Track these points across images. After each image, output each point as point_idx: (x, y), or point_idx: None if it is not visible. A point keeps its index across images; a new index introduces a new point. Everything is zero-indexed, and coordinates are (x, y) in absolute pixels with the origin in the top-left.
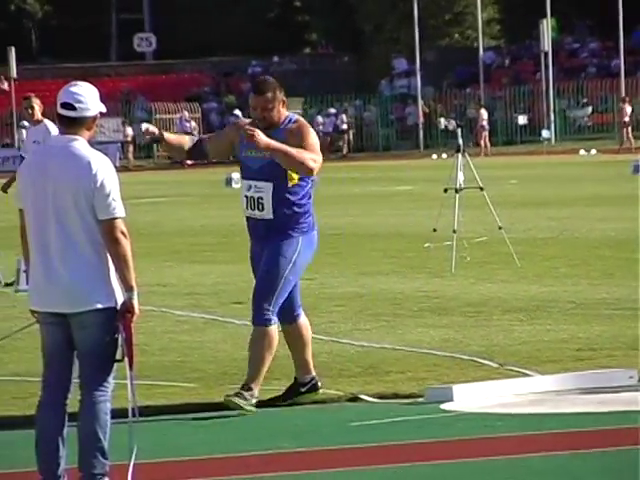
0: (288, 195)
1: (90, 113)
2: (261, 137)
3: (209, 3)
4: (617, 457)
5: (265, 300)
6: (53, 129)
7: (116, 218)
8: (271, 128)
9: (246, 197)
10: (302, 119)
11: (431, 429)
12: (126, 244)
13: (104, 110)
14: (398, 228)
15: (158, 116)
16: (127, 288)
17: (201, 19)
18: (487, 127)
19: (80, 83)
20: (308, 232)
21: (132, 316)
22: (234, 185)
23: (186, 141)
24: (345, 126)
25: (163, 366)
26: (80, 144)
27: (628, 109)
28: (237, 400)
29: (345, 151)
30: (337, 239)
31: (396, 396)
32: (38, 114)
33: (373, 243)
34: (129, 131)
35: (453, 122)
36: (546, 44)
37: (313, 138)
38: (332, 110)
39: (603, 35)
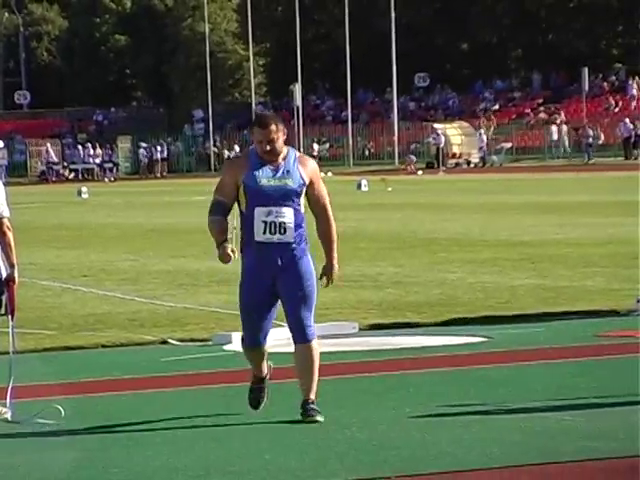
0: (301, 217)
1: None
2: (334, 273)
3: (66, 70)
4: (347, 383)
5: (305, 319)
6: None
7: (3, 217)
8: (277, 158)
9: (265, 222)
10: (299, 152)
11: (216, 363)
12: (10, 235)
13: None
14: (198, 225)
15: (31, 148)
16: (10, 265)
17: (61, 81)
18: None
19: None
20: (307, 251)
21: (14, 284)
22: (83, 196)
23: (225, 225)
24: (160, 155)
25: (33, 319)
26: None
27: (316, 146)
28: (319, 417)
29: (165, 172)
30: (157, 234)
31: (192, 340)
32: None
33: (180, 236)
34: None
35: (234, 152)
36: (298, 101)
37: (318, 173)
38: (144, 144)
39: (336, 94)
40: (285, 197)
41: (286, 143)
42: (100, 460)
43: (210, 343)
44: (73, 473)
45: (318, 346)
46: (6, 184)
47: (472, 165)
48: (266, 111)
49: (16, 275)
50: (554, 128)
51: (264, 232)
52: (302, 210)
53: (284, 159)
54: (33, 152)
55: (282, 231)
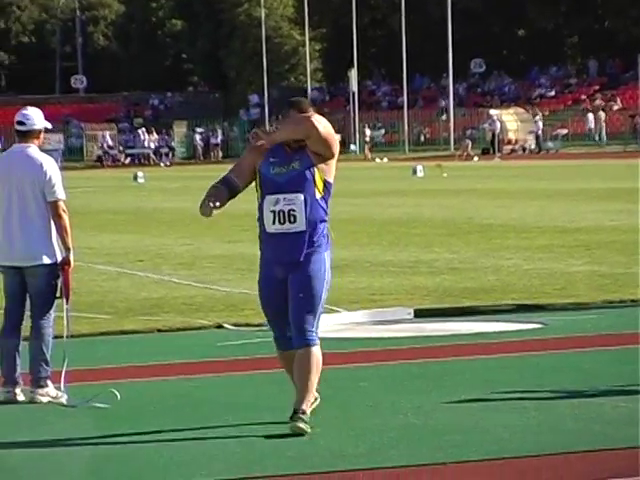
0: (317, 205)
1: (36, 127)
2: (267, 138)
3: (122, 55)
4: (401, 368)
5: (306, 322)
6: None
7: (59, 200)
8: (304, 146)
9: (273, 212)
10: None
11: (271, 347)
12: (66, 218)
13: (49, 126)
14: (248, 211)
15: (87, 132)
16: (66, 248)
17: (117, 66)
18: None
19: (28, 107)
20: (329, 245)
21: (69, 268)
22: (139, 180)
23: (227, 193)
24: (217, 140)
25: (88, 303)
26: (33, 150)
27: (368, 131)
28: (303, 426)
29: (220, 157)
30: (212, 219)
31: (248, 325)
32: None
33: (236, 220)
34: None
35: None
36: (353, 86)
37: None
38: (200, 129)
39: (392, 80)
40: (293, 182)
41: (338, 131)
42: (153, 443)
43: (265, 328)
44: (130, 456)
45: (318, 354)
46: (62, 168)
47: (527, 151)
48: (299, 97)
49: (71, 258)
50: (590, 116)
51: (273, 222)
52: (322, 200)
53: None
54: (89, 136)
55: (292, 219)
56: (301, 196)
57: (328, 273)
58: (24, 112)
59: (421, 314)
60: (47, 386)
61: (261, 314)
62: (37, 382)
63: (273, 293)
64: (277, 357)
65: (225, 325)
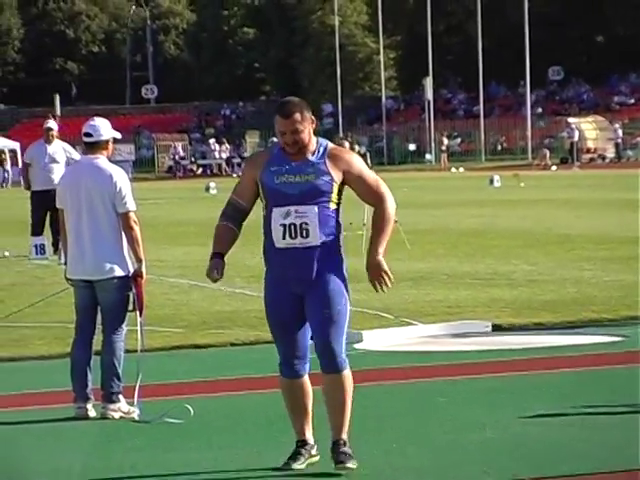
0: (331, 218)
1: (104, 138)
2: (382, 267)
3: (193, 64)
4: (480, 383)
5: (335, 343)
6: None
7: (130, 211)
8: (304, 152)
9: (283, 226)
10: (333, 145)
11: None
12: (137, 229)
13: (118, 136)
14: None
15: (158, 143)
16: (137, 260)
17: (188, 75)
18: None
19: (95, 118)
20: (344, 257)
21: (142, 280)
22: (211, 192)
23: (230, 234)
24: None
25: (160, 317)
26: (102, 161)
27: (445, 140)
28: (350, 464)
29: None
30: None
31: None
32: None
33: None
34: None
35: (364, 147)
36: (429, 94)
37: (362, 163)
38: (275, 139)
39: (467, 88)
40: (307, 195)
41: (414, 140)
42: (229, 461)
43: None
44: (204, 473)
45: (350, 376)
46: (133, 180)
47: (607, 160)
48: (292, 97)
49: (144, 270)
50: None
51: (283, 237)
52: (334, 211)
53: (313, 153)
54: (160, 147)
55: (304, 234)
56: (315, 208)
57: (348, 285)
58: (91, 123)
59: (499, 327)
60: (119, 401)
61: None
62: (109, 397)
63: (284, 312)
64: (280, 386)
65: None
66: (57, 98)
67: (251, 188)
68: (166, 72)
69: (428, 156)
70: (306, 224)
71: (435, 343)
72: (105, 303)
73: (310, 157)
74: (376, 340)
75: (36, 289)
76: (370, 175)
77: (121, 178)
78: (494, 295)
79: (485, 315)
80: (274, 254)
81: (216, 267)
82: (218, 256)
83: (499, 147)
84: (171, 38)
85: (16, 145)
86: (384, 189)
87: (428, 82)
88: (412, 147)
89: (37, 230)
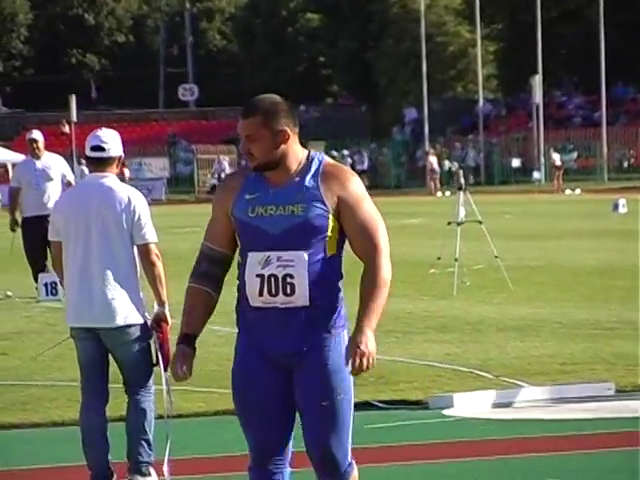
0: (327, 270)
1: (115, 154)
2: (361, 349)
3: (244, 58)
4: (597, 459)
5: (338, 452)
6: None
7: (150, 242)
8: (284, 172)
9: (261, 277)
10: (332, 160)
11: (434, 432)
12: (160, 265)
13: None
14: (407, 256)
15: (199, 156)
16: (160, 303)
17: (237, 72)
18: (438, 171)
19: (103, 129)
20: (346, 322)
21: (167, 326)
22: None
23: (205, 302)
24: (364, 166)
25: (201, 374)
26: (113, 181)
27: (556, 156)
28: None
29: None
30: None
31: (404, 402)
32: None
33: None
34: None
35: (456, 164)
36: (537, 97)
37: (364, 191)
38: (346, 151)
39: (586, 90)
40: (293, 235)
41: (518, 154)
42: None
43: (426, 406)
44: None
45: (357, 475)
46: (167, 201)
47: None
48: (268, 95)
49: (168, 314)
50: None
51: (260, 292)
52: (333, 257)
53: (299, 174)
54: (202, 161)
55: (288, 290)
56: (303, 255)
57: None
58: (99, 135)
59: (624, 389)
60: (150, 475)
61: (421, 388)
62: (138, 469)
63: (255, 392)
64: None
65: (375, 402)
66: (73, 100)
67: (225, 226)
68: (209, 68)
69: (536, 174)
70: (290, 277)
71: (544, 409)
72: (124, 359)
73: (296, 179)
74: (471, 405)
75: (46, 337)
76: (370, 211)
77: (140, 202)
78: (619, 349)
79: (607, 374)
80: (248, 314)
81: (182, 360)
82: (187, 340)
83: (625, 163)
84: (215, 25)
85: (22, 158)
86: (383, 239)
87: (537, 82)
88: (516, 163)
89: (38, 266)
